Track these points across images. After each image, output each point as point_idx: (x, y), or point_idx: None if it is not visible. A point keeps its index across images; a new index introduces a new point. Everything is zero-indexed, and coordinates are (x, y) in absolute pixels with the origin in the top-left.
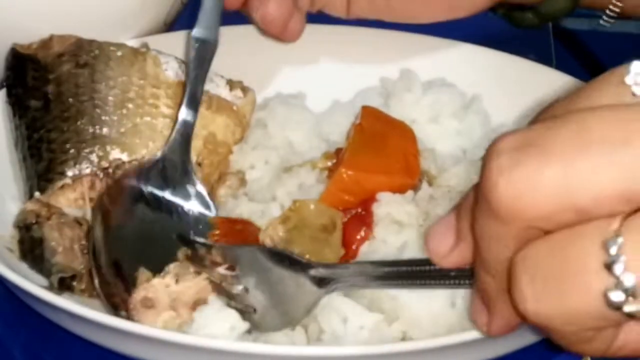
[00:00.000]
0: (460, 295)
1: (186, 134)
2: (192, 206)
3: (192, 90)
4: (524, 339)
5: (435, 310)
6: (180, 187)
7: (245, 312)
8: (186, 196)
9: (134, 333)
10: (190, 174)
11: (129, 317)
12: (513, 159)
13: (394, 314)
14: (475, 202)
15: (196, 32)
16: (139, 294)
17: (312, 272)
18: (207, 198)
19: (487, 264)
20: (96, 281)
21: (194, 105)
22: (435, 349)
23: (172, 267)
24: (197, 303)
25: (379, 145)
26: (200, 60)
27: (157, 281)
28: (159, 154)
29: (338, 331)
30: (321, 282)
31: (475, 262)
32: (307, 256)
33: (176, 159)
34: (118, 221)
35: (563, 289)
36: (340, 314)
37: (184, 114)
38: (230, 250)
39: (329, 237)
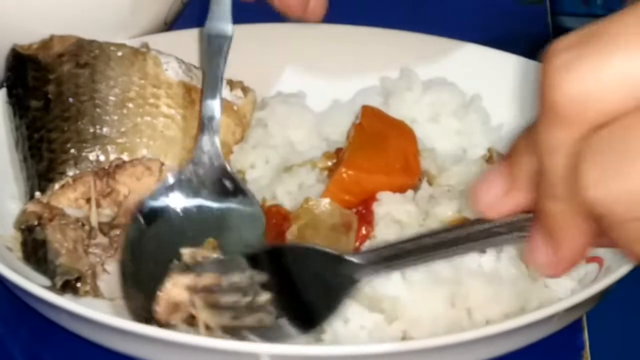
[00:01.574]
0: (460, 295)
1: (212, 129)
2: (232, 203)
3: (212, 85)
4: (524, 338)
5: (435, 310)
6: (217, 185)
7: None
8: (225, 192)
9: (134, 333)
10: (226, 171)
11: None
12: (575, 55)
13: (393, 314)
14: (535, 121)
15: (209, 27)
16: (160, 304)
17: (344, 264)
18: (246, 190)
19: (554, 186)
20: (125, 300)
21: (215, 102)
22: (435, 349)
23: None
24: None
25: (379, 145)
26: (216, 55)
27: (169, 283)
28: (189, 165)
29: (338, 331)
30: (354, 274)
31: (539, 193)
32: None
33: (207, 160)
34: (154, 240)
35: (626, 170)
36: (340, 314)
37: (208, 110)
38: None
39: (342, 237)
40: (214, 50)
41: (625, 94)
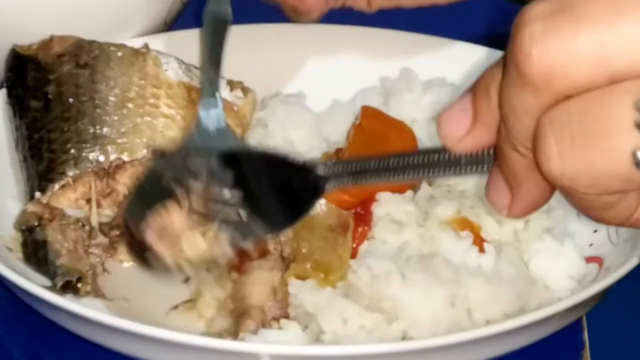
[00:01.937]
0: (460, 295)
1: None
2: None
3: (210, 74)
4: (524, 338)
5: (435, 310)
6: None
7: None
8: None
9: (134, 333)
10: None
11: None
12: (547, 25)
13: (393, 314)
14: (503, 76)
15: (208, 11)
16: (151, 229)
17: (310, 174)
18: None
19: (515, 139)
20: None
21: (214, 87)
22: (435, 349)
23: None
24: None
25: (378, 146)
26: (215, 39)
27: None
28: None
29: (338, 331)
30: (321, 182)
31: (501, 139)
32: (317, 254)
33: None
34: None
35: (590, 148)
36: (340, 314)
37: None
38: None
39: (339, 237)
40: (213, 37)
41: (595, 68)
